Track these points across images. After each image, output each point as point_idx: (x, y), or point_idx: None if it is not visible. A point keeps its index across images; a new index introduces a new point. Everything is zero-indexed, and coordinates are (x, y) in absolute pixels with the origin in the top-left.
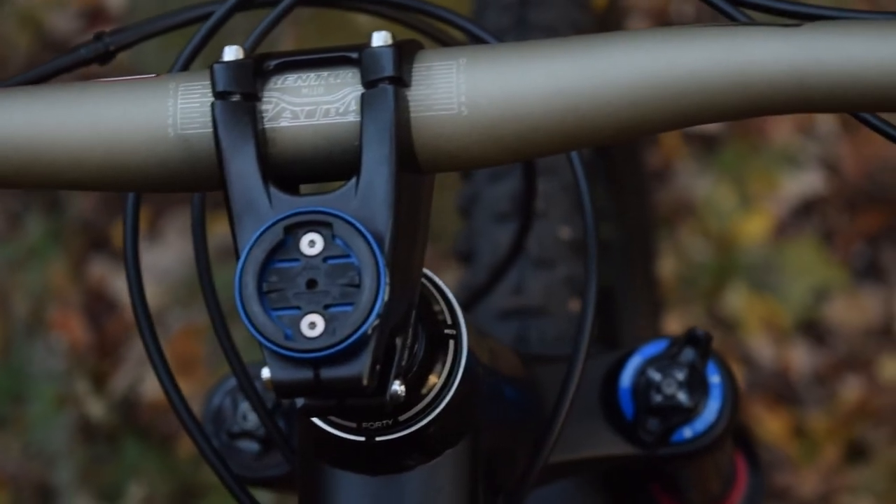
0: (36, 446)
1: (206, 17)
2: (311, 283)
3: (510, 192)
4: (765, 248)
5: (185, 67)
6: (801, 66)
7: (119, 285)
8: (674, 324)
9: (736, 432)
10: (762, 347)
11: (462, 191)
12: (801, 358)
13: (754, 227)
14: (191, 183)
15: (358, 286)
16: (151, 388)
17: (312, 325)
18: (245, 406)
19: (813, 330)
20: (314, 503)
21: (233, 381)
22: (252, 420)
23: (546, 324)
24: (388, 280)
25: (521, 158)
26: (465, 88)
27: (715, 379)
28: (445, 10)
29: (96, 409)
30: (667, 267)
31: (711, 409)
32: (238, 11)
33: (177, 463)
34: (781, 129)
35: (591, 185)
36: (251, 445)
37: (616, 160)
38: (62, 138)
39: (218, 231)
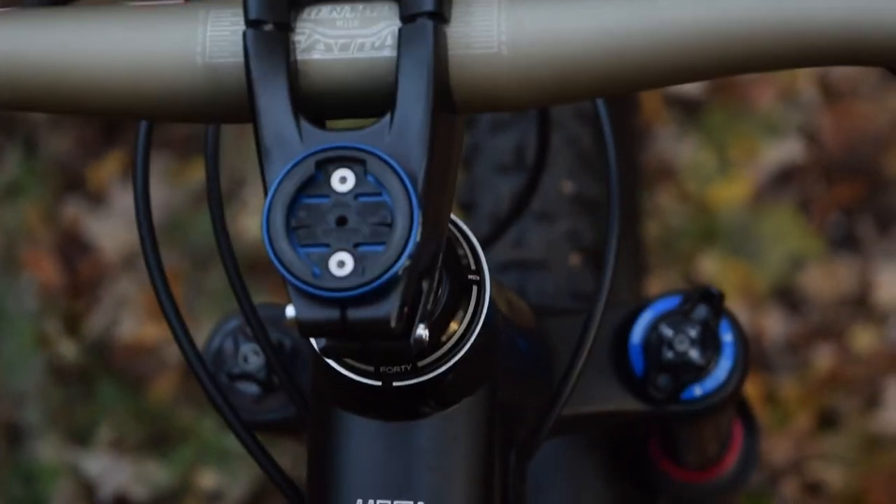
0: (6, 386)
1: None
2: (342, 221)
3: (513, 144)
4: (742, 215)
5: None
6: (859, 16)
7: (94, 228)
8: (653, 287)
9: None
10: (737, 313)
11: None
12: (774, 325)
13: (733, 193)
14: (216, 114)
15: (389, 225)
16: (127, 330)
17: (341, 263)
18: (246, 347)
19: (787, 297)
20: (325, 447)
21: (234, 323)
22: (253, 362)
23: (545, 278)
24: (420, 220)
25: (559, 102)
26: (505, 27)
27: (727, 337)
28: None
29: (69, 350)
30: (647, 230)
31: (723, 368)
32: None
33: (149, 407)
34: (764, 95)
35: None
36: (251, 388)
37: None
38: (86, 62)
39: (197, 177)
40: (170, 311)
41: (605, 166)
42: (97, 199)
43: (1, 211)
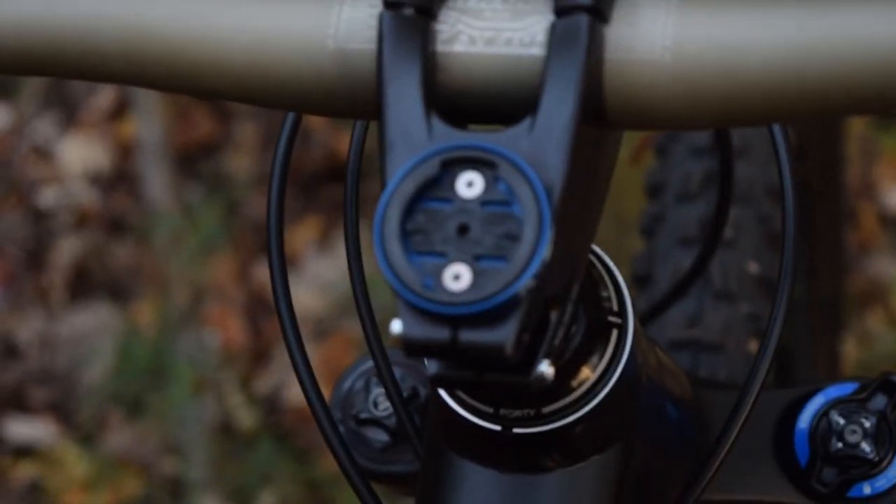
0: (174, 438)
1: None
2: (463, 229)
3: (699, 216)
4: None
5: None
6: None
7: None
8: None
9: None
10: None
11: (647, 210)
12: None
13: None
14: (345, 105)
15: (516, 239)
16: (296, 393)
17: (457, 276)
18: (378, 392)
19: None
20: (436, 494)
21: (368, 364)
22: (383, 408)
23: (719, 361)
24: (551, 237)
25: (723, 123)
26: (672, 31)
27: None
28: None
29: (239, 408)
30: (848, 350)
31: None
32: None
33: (314, 476)
34: None
35: (795, 171)
36: (379, 435)
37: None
38: (206, 35)
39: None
40: (293, 342)
41: (782, 206)
42: (290, 264)
43: (191, 265)
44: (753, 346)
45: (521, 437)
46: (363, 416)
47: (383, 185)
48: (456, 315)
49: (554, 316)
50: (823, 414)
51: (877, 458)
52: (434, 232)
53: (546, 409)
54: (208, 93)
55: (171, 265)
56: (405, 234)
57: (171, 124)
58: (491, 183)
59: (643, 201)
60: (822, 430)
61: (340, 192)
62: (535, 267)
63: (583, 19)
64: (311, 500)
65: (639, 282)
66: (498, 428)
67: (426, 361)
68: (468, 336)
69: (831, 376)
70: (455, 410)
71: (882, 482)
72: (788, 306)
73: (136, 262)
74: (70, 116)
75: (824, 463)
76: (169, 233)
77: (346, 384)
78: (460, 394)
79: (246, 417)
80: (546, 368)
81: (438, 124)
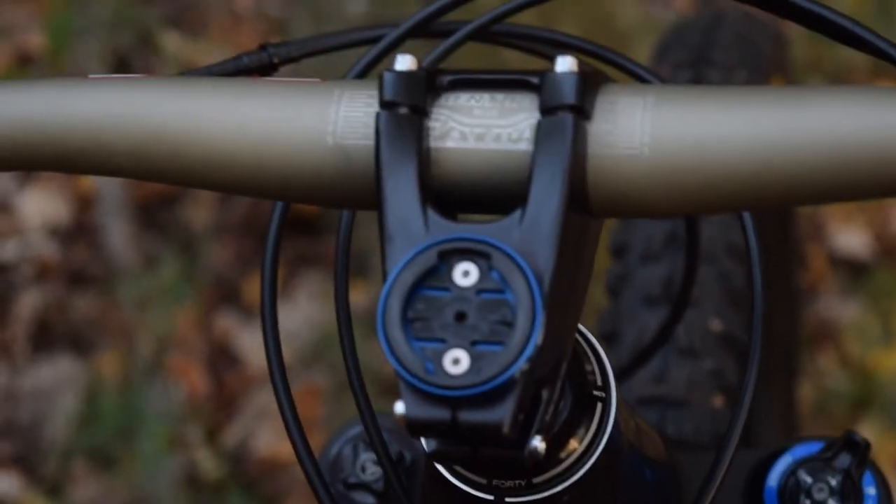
0: (141, 490)
1: (376, 40)
2: (461, 316)
3: (663, 276)
4: None
5: None
6: None
7: (243, 341)
8: None
9: None
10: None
11: (612, 269)
12: None
13: (894, 362)
14: (343, 197)
15: (510, 325)
16: (264, 443)
17: (456, 361)
18: (365, 457)
19: None
20: None
21: (355, 430)
22: (371, 472)
23: (685, 416)
24: (543, 322)
25: (702, 211)
26: (650, 128)
27: (871, 491)
28: (615, 53)
29: (206, 459)
30: (802, 391)
31: None
32: (410, 38)
33: None
34: None
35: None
36: (367, 499)
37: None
38: (213, 132)
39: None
40: (287, 410)
41: (750, 284)
42: (250, 313)
43: (153, 316)
44: (717, 400)
45: None
46: (352, 480)
47: (384, 275)
48: (456, 397)
49: (545, 394)
50: (791, 473)
51: None
52: (433, 319)
53: (536, 480)
54: (214, 187)
55: (134, 317)
56: (406, 322)
57: None
58: (485, 272)
59: (607, 260)
60: (791, 488)
61: (300, 242)
62: (529, 351)
63: (567, 117)
64: None
65: (605, 339)
66: (491, 497)
67: (423, 439)
68: (467, 416)
69: (788, 419)
70: (450, 481)
71: None
72: (759, 373)
73: (98, 315)
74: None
75: None
76: (131, 285)
77: (334, 449)
78: (454, 466)
79: (213, 469)
80: (538, 443)
81: (434, 216)
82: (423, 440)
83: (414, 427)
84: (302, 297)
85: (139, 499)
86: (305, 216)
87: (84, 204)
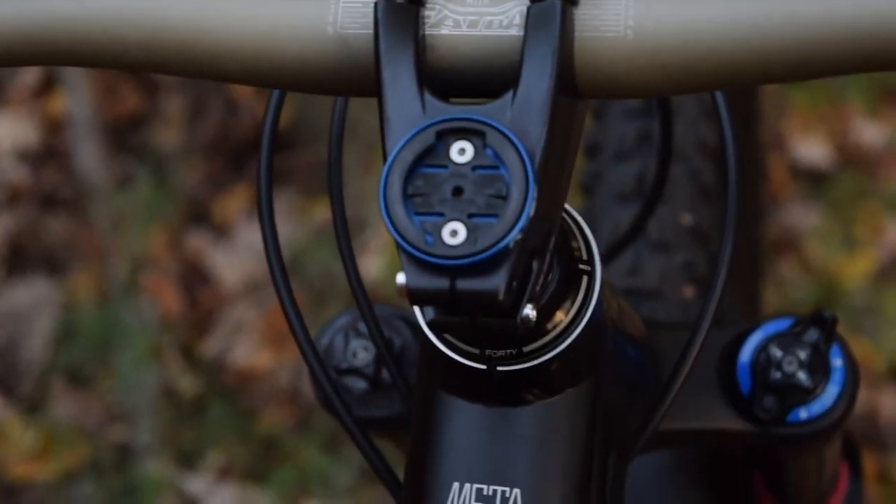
0: (120, 405)
1: None
2: (458, 191)
3: (635, 173)
4: (864, 291)
5: None
6: None
7: (216, 259)
8: None
9: (846, 439)
10: None
11: (586, 168)
12: (891, 404)
13: (856, 269)
14: (343, 85)
15: (504, 198)
16: (241, 355)
17: (454, 232)
18: (356, 343)
19: None
20: (426, 430)
21: (344, 320)
22: (361, 357)
23: (658, 307)
24: (535, 195)
25: (682, 91)
26: (633, 12)
27: (837, 363)
28: None
29: (183, 373)
30: (766, 299)
31: (830, 393)
32: None
33: (258, 433)
34: (893, 174)
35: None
36: (358, 383)
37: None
38: (218, 25)
39: (319, 216)
40: (286, 300)
41: (724, 162)
42: (222, 232)
43: (126, 236)
44: (688, 291)
45: (504, 375)
46: (343, 366)
47: (384, 156)
48: (454, 266)
49: (535, 265)
50: (763, 348)
51: (812, 386)
52: (432, 194)
53: (526, 349)
54: (221, 77)
55: (107, 238)
56: (407, 198)
57: (100, 98)
58: (480, 149)
59: (581, 160)
60: (762, 362)
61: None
62: (522, 222)
63: (556, 3)
64: (259, 460)
65: None
66: (484, 367)
67: (421, 310)
68: (465, 284)
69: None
70: (445, 353)
71: (817, 407)
72: (733, 254)
73: (71, 236)
74: None
75: (765, 392)
76: (103, 206)
77: (326, 338)
78: (449, 338)
79: (190, 383)
80: (530, 311)
81: (431, 100)
82: (420, 312)
83: (414, 296)
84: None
85: (118, 414)
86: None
87: (54, 127)
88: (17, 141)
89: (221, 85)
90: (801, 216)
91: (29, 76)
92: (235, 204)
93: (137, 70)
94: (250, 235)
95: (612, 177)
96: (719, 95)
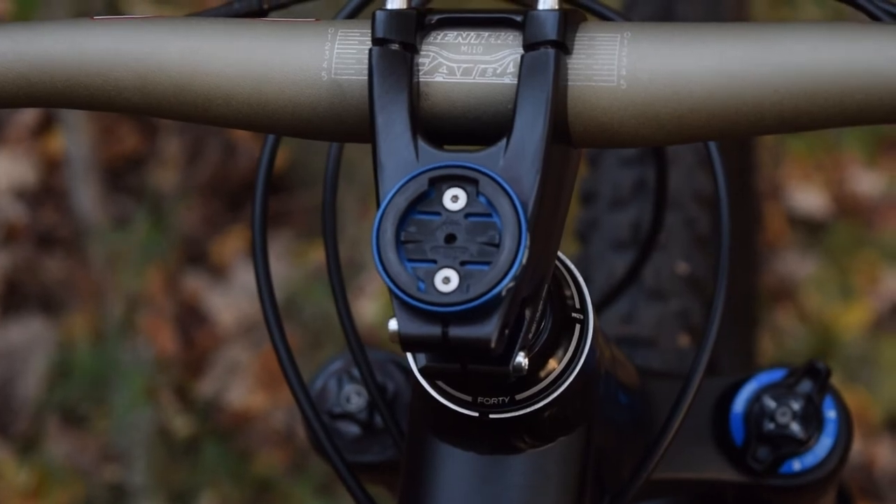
0: (114, 445)
1: None
2: (450, 238)
3: (631, 221)
4: (861, 341)
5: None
6: None
7: (213, 301)
8: None
9: (840, 489)
10: None
11: (581, 216)
12: (886, 454)
13: (852, 319)
14: (337, 130)
15: (497, 246)
16: (236, 397)
17: (447, 279)
18: (349, 388)
19: None
20: (419, 476)
21: (338, 364)
22: (355, 402)
23: (653, 355)
24: (528, 244)
25: (675, 141)
26: (626, 62)
27: (831, 414)
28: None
29: (178, 415)
30: (762, 348)
31: (824, 445)
32: None
33: (252, 475)
34: (890, 222)
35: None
36: (351, 428)
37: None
38: (214, 70)
39: (315, 258)
40: (280, 345)
41: (717, 209)
42: (218, 273)
43: (123, 276)
44: (683, 340)
45: (496, 422)
46: (336, 410)
47: (377, 203)
48: (446, 313)
49: (528, 313)
50: (756, 398)
51: (805, 437)
52: (425, 241)
53: (518, 397)
54: (214, 121)
55: (104, 278)
56: (399, 244)
57: (98, 139)
58: (473, 197)
59: (577, 207)
60: (756, 412)
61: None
62: (515, 270)
63: (549, 52)
64: (253, 502)
65: None
66: (476, 414)
67: (413, 356)
68: (457, 331)
69: (748, 368)
70: (437, 400)
71: (810, 459)
72: (727, 304)
73: (68, 276)
74: None
75: (758, 442)
76: (100, 246)
77: (319, 382)
78: (441, 384)
79: (185, 424)
80: (522, 359)
81: (425, 147)
82: (412, 358)
83: (406, 343)
84: (271, 257)
85: (112, 454)
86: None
87: (52, 166)
88: (15, 180)
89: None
90: (798, 265)
91: (28, 115)
92: (232, 245)
93: (132, 113)
94: (246, 276)
95: (608, 224)
96: (713, 145)
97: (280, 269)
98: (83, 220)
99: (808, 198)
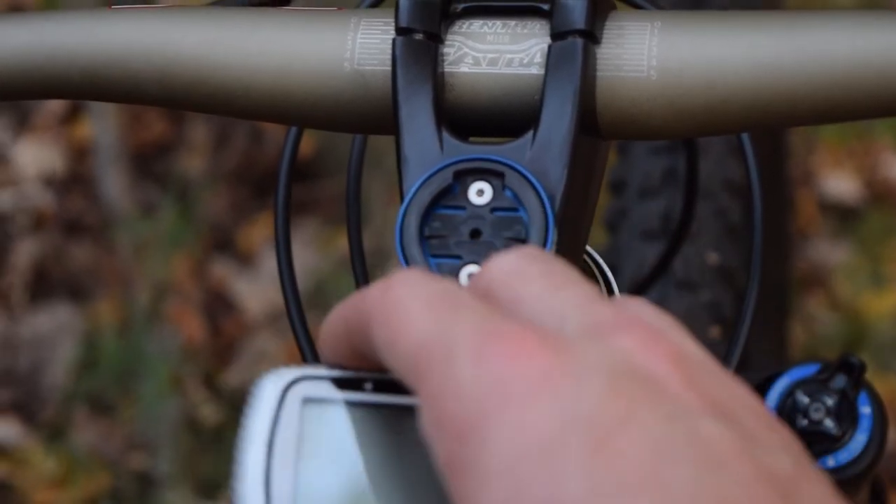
0: (142, 434)
1: None
2: (475, 233)
3: (661, 211)
4: (893, 329)
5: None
6: None
7: (240, 288)
8: None
9: (874, 485)
10: None
11: (610, 205)
12: None
13: (885, 306)
14: (360, 122)
15: (523, 241)
16: None
17: (472, 276)
18: None
19: None
20: None
21: None
22: None
23: None
24: (555, 238)
25: (706, 133)
26: (657, 52)
27: (865, 410)
28: None
29: (204, 403)
30: (793, 335)
31: (858, 441)
32: None
33: None
34: None
35: (760, 173)
36: None
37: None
38: (234, 62)
39: (342, 245)
40: (301, 334)
41: (751, 203)
42: (245, 260)
43: (150, 264)
44: (714, 332)
45: None
46: None
47: (401, 197)
48: None
49: None
50: (789, 394)
51: (839, 434)
52: (449, 236)
53: None
54: (236, 113)
55: (131, 265)
56: (423, 239)
57: (126, 126)
58: (499, 191)
59: (606, 197)
60: (789, 408)
61: (294, 189)
62: None
63: (577, 42)
64: None
65: None
66: None
67: None
68: None
69: (780, 358)
70: None
71: (844, 455)
72: (759, 297)
73: (95, 263)
74: (23, 121)
75: None
76: (128, 233)
77: None
78: None
79: (211, 413)
80: None
81: (449, 139)
82: None
83: None
84: (297, 245)
85: (139, 443)
86: (299, 163)
87: (79, 154)
88: (43, 167)
89: None
90: (830, 252)
91: (56, 103)
92: (259, 232)
93: (151, 104)
94: (274, 264)
95: (637, 214)
96: (745, 136)
97: (307, 256)
98: (110, 208)
99: (840, 184)
